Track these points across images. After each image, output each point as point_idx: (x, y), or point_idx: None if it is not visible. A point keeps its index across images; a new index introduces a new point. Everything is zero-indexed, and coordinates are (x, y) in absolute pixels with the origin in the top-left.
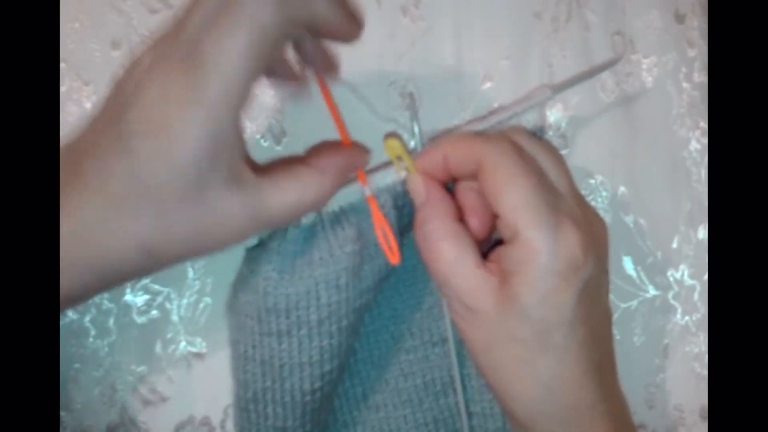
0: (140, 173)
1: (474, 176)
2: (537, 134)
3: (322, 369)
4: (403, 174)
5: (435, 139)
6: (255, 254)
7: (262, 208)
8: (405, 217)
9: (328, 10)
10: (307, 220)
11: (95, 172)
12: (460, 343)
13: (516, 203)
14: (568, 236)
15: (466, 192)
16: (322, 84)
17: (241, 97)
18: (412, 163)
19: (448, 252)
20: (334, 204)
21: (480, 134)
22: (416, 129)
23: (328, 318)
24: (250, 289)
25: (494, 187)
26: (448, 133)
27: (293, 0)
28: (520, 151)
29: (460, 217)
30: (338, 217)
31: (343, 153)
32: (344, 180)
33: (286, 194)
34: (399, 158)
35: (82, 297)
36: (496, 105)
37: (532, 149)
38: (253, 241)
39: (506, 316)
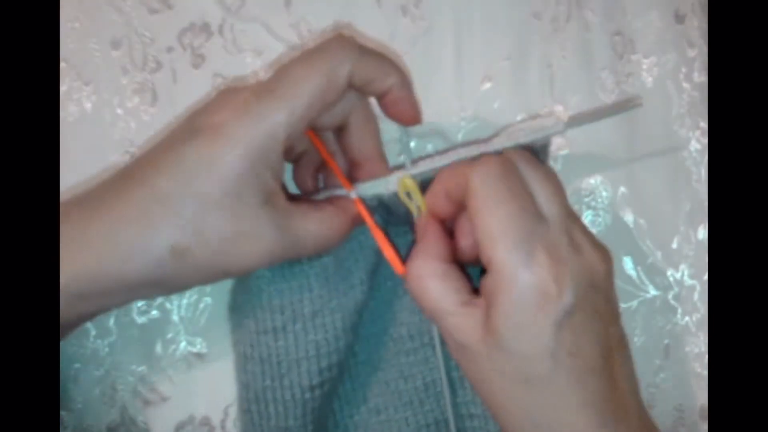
0: (187, 175)
1: None
2: (539, 156)
3: (320, 364)
4: (415, 213)
5: (427, 158)
6: None
7: (290, 233)
8: (399, 217)
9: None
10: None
11: (148, 166)
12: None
13: (491, 230)
14: (541, 266)
15: (461, 216)
16: (317, 143)
17: (292, 132)
18: (423, 202)
19: (434, 291)
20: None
21: (473, 160)
22: (404, 139)
23: (321, 310)
24: (246, 290)
25: (473, 212)
26: (443, 152)
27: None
28: (507, 174)
29: (452, 258)
30: None
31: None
32: (359, 220)
33: (311, 223)
34: (408, 195)
35: (100, 306)
36: (495, 105)
37: (525, 170)
38: None
39: (490, 350)
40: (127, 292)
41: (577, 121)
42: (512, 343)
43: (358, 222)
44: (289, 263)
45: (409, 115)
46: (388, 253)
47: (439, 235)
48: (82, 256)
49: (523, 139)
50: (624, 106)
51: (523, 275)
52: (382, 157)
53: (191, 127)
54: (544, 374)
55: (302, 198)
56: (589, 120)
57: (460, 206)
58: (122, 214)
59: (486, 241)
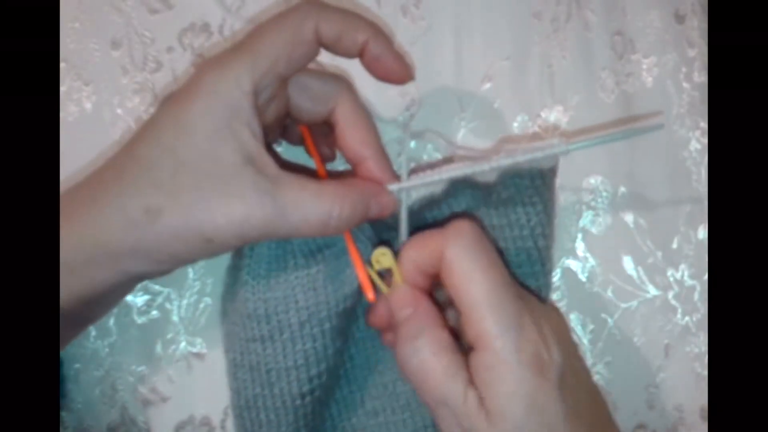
0: (160, 136)
1: None
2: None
3: (309, 373)
4: (384, 289)
5: (426, 168)
6: (236, 263)
7: (277, 202)
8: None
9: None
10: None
11: (133, 136)
12: None
13: (479, 304)
14: (531, 333)
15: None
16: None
17: (258, 83)
18: (401, 274)
19: (442, 369)
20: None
21: (440, 230)
22: (404, 139)
23: (309, 321)
24: (234, 297)
25: (454, 285)
26: (439, 164)
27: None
28: (482, 244)
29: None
30: None
31: (368, 183)
32: (360, 211)
33: (305, 196)
34: (379, 271)
35: (89, 281)
36: (495, 105)
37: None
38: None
39: (500, 430)
40: (111, 261)
41: (578, 144)
42: (525, 421)
43: (368, 208)
44: (275, 270)
45: (396, 72)
46: (362, 277)
47: (431, 307)
48: (66, 225)
49: (522, 158)
50: (636, 129)
51: (521, 346)
52: (381, 157)
53: (171, 94)
54: None
55: (305, 171)
56: (590, 143)
57: (433, 279)
58: (101, 178)
59: (474, 315)
